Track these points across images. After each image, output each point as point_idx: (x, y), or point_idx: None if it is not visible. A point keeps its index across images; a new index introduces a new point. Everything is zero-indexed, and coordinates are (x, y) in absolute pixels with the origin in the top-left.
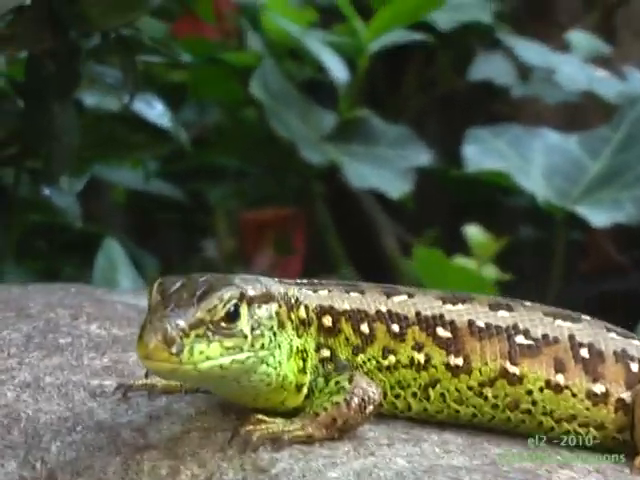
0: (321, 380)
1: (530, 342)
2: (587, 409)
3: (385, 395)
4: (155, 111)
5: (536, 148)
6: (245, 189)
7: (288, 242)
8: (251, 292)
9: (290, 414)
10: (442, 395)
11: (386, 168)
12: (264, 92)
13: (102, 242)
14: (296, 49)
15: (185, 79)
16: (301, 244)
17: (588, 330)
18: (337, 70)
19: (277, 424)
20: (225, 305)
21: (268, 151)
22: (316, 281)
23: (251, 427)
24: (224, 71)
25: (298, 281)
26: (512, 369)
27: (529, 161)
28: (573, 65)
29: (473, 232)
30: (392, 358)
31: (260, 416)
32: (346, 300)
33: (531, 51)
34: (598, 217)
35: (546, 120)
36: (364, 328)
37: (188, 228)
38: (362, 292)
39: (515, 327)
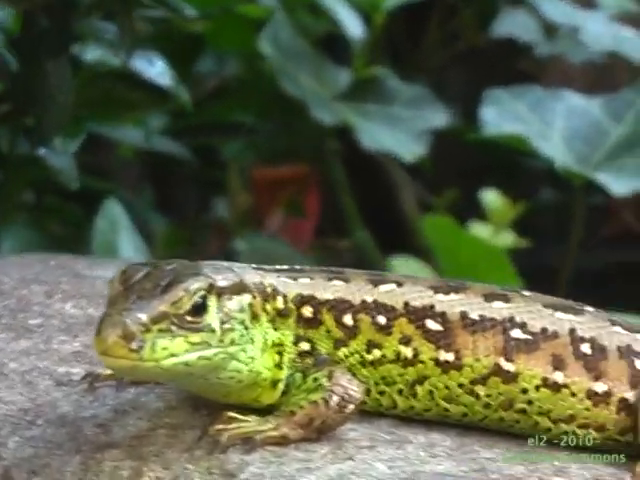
0: (299, 376)
1: (527, 336)
2: (587, 409)
3: (369, 392)
4: (155, 69)
5: (557, 111)
6: (259, 144)
7: (300, 204)
8: (221, 283)
9: (266, 411)
10: (430, 392)
11: (401, 129)
12: (274, 48)
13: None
14: (312, 1)
15: (205, 29)
16: (315, 204)
17: (591, 323)
18: (352, 26)
19: (250, 423)
20: (191, 297)
21: (281, 107)
22: (298, 267)
23: (221, 426)
24: (240, 22)
25: (278, 267)
26: (506, 366)
27: (549, 125)
28: (598, 23)
29: (491, 198)
30: (377, 352)
31: (232, 414)
32: (329, 289)
33: (555, 8)
34: (619, 185)
35: (573, 79)
36: (347, 320)
37: (200, 184)
38: (347, 280)
39: (511, 320)
